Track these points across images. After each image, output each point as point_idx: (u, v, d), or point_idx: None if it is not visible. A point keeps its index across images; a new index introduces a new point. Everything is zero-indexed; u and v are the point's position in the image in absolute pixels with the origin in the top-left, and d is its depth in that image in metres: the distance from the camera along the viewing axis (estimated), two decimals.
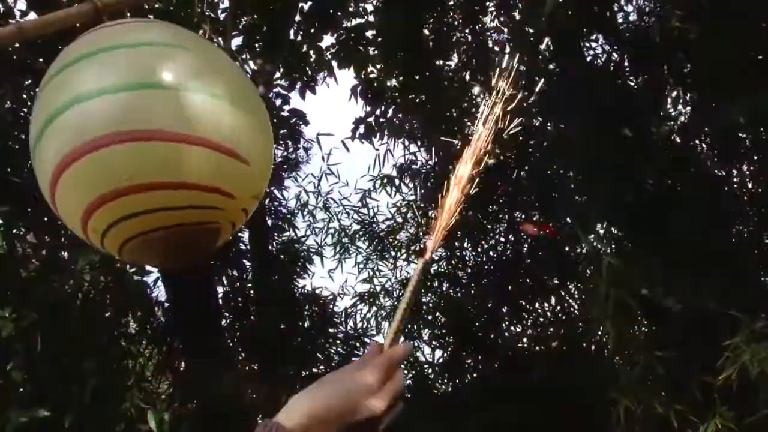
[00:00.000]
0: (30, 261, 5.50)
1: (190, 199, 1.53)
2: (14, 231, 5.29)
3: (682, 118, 4.94)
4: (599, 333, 4.51)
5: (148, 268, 5.87)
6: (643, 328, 4.00)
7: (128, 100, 1.50)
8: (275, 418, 1.08)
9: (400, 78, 6.32)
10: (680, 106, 4.97)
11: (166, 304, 6.09)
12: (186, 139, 1.50)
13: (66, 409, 4.57)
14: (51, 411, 4.56)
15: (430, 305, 6.26)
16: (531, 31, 5.26)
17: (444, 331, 5.98)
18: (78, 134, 1.49)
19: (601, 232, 4.63)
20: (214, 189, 1.51)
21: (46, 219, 5.27)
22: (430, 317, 6.22)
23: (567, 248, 5.44)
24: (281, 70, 6.52)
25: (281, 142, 6.93)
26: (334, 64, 6.38)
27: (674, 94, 4.96)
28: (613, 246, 4.54)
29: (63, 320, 5.17)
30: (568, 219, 5.15)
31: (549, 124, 5.57)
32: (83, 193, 1.54)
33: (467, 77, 6.56)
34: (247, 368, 5.48)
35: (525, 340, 5.67)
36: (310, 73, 6.51)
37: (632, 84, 5.07)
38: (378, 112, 6.59)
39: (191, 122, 1.50)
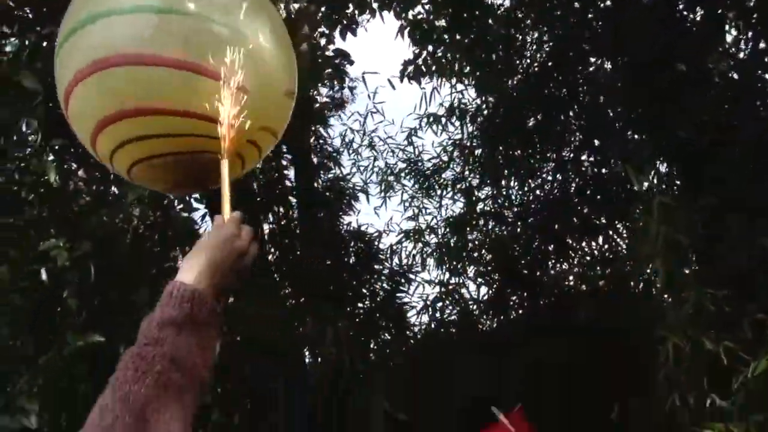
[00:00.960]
0: (81, 196, 5.60)
1: (195, 128, 1.56)
2: (65, 166, 5.37)
3: (742, 55, 4.79)
4: (647, 272, 4.47)
5: (195, 204, 5.97)
6: (693, 267, 3.95)
7: (148, 22, 1.52)
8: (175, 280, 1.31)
9: (448, 17, 6.22)
10: (741, 43, 4.81)
11: None
12: (195, 69, 1.53)
13: (118, 337, 4.67)
14: (104, 338, 4.68)
15: (476, 243, 6.27)
16: None
17: (489, 268, 5.98)
18: (91, 52, 1.53)
19: (653, 171, 4.55)
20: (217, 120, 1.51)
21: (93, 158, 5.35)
22: (475, 255, 6.23)
23: (615, 187, 5.37)
24: (323, 11, 6.45)
25: (326, 81, 6.89)
26: (375, 5, 6.28)
27: (734, 31, 4.81)
28: (664, 185, 4.47)
29: (113, 253, 5.27)
30: (618, 157, 5.08)
31: (600, 60, 5.46)
32: (91, 113, 1.59)
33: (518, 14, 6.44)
34: (292, 303, 5.53)
35: (571, 278, 5.65)
36: (351, 15, 6.42)
37: (689, 19, 4.92)
38: (425, 53, 6.51)
39: (203, 53, 1.51)
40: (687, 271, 3.84)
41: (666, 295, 3.91)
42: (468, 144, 6.60)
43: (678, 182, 4.45)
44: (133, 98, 1.52)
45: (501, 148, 5.93)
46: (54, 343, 4.83)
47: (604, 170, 5.48)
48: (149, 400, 1.22)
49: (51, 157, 5.31)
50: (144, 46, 1.50)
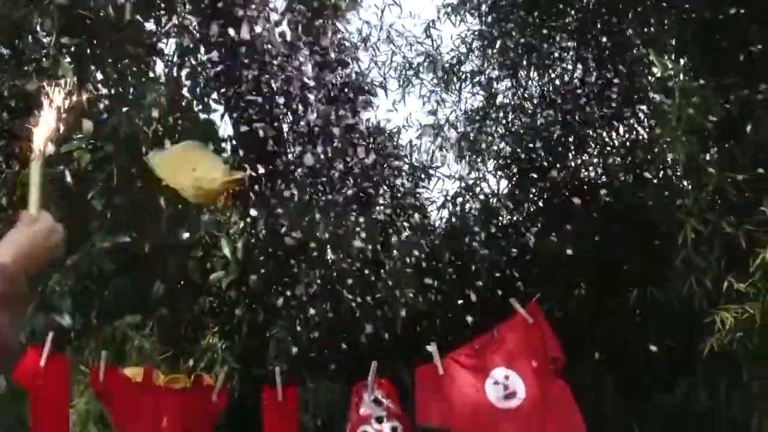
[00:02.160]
0: (99, 96, 5.59)
1: None
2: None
3: None
4: (668, 159, 4.43)
5: (213, 105, 5.96)
6: (714, 151, 3.91)
7: None
8: None
9: None
10: None
11: (233, 141, 6.19)
12: None
13: (144, 236, 4.78)
14: (130, 238, 4.79)
15: (496, 136, 6.23)
16: None
17: (509, 161, 5.95)
18: None
19: (674, 53, 4.44)
20: None
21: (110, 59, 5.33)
22: (495, 147, 6.20)
23: (636, 72, 5.25)
24: None
25: None
26: None
27: None
28: (686, 67, 4.36)
29: (135, 155, 5.31)
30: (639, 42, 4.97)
31: None
32: None
33: None
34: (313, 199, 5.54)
35: (591, 169, 5.61)
36: None
37: None
38: None
39: None
40: (707, 156, 3.81)
41: (686, 182, 3.90)
42: (487, 35, 6.46)
43: (700, 64, 4.34)
44: None
45: (518, 35, 5.79)
46: (82, 245, 4.93)
47: (626, 55, 5.34)
48: None
49: (68, 59, 5.31)
50: None
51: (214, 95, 5.82)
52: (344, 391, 4.38)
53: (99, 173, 5.02)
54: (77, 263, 4.73)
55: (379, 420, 3.53)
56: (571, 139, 5.47)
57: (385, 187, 6.10)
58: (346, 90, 6.47)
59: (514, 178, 5.87)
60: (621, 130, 5.40)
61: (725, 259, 3.53)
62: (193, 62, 5.72)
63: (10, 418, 5.65)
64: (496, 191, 6.19)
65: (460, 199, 6.04)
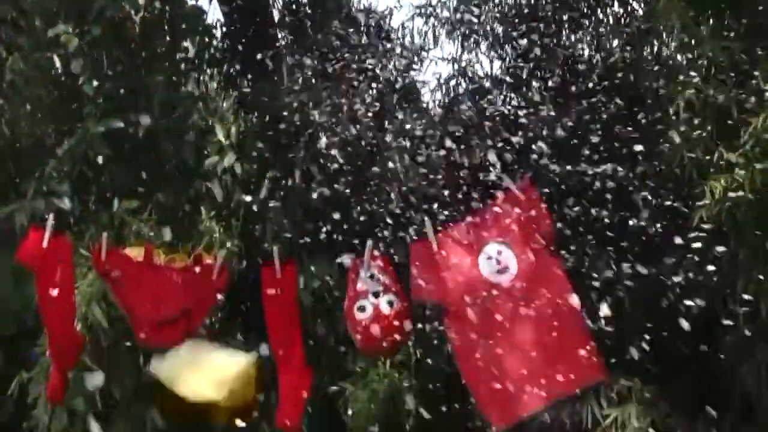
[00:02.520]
0: None
1: None
2: None
3: None
4: (663, 32, 4.37)
5: None
6: (709, 22, 3.85)
7: None
8: None
9: None
10: None
11: (224, 28, 6.10)
12: None
13: (137, 121, 4.76)
14: (124, 122, 4.77)
15: (488, 13, 6.11)
16: None
17: (502, 41, 5.87)
18: None
19: None
20: None
21: None
22: (488, 28, 6.10)
23: None
24: None
25: None
26: None
27: None
28: None
29: (123, 39, 5.24)
30: None
31: None
32: None
33: None
34: (305, 81, 5.49)
35: (585, 47, 5.55)
36: None
37: None
38: None
39: None
40: (703, 28, 3.76)
41: (679, 56, 3.87)
42: None
43: None
44: None
45: None
46: (76, 130, 4.93)
47: None
48: None
49: None
50: None
51: None
52: (341, 271, 4.48)
53: (88, 58, 4.94)
54: (72, 148, 4.72)
55: (376, 295, 3.60)
56: (565, 18, 5.36)
57: (377, 70, 6.04)
58: None
59: (508, 59, 5.81)
60: (616, 4, 5.29)
61: (717, 130, 3.54)
62: None
63: (17, 302, 5.82)
64: (489, 73, 6.14)
65: (453, 82, 6.00)
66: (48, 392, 4.37)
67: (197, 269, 3.95)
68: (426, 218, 3.63)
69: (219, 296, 4.16)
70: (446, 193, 4.81)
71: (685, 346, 4.46)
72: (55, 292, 3.75)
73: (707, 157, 3.49)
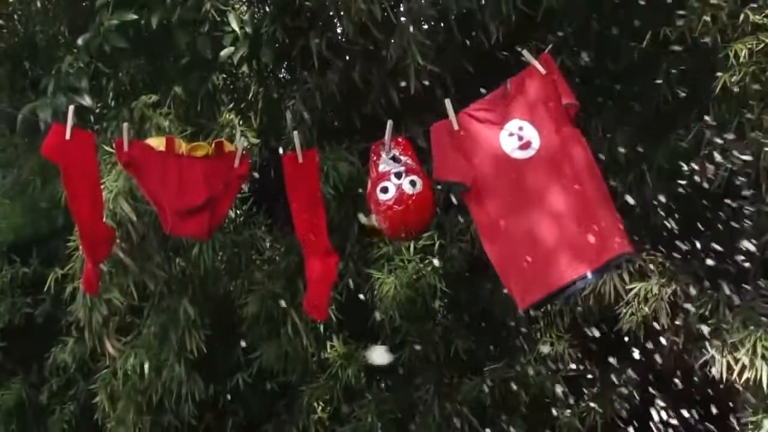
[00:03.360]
0: None
1: None
2: None
3: None
4: None
5: None
6: None
7: None
8: None
9: None
10: None
11: None
12: None
13: (151, 11, 4.70)
14: (137, 14, 4.73)
15: None
16: None
17: None
18: None
19: None
20: None
21: None
22: None
23: None
24: None
25: None
26: None
27: None
28: None
29: None
30: None
31: None
32: None
33: None
34: None
35: None
36: None
37: None
38: None
39: None
40: None
41: None
42: None
43: None
44: None
45: None
46: (90, 24, 4.89)
47: None
48: None
49: None
50: None
51: None
52: (362, 159, 4.49)
53: None
54: (88, 42, 4.70)
55: (398, 176, 3.61)
56: None
57: None
58: None
59: None
60: None
61: None
62: None
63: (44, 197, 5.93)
64: None
65: None
66: (83, 285, 4.51)
67: (219, 157, 3.98)
68: (447, 99, 3.60)
69: (242, 184, 4.20)
70: (465, 73, 4.75)
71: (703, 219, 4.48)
72: (81, 185, 3.79)
73: (732, 21, 3.40)
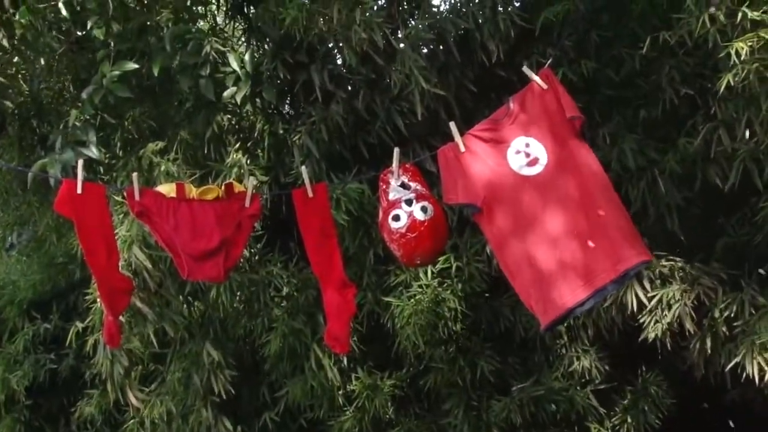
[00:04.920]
0: None
1: None
2: None
3: None
4: None
5: None
6: None
7: None
8: None
9: None
10: None
11: None
12: None
13: (152, 58, 4.76)
14: (138, 62, 4.78)
15: None
16: None
17: None
18: None
19: None
20: None
21: None
22: None
23: None
24: None
25: None
26: None
27: None
28: None
29: None
30: None
31: None
32: None
33: None
34: None
35: None
36: None
37: None
38: None
39: None
40: None
41: None
42: None
43: None
44: None
45: None
46: (92, 77, 4.95)
47: None
48: None
49: None
50: None
51: None
52: (372, 187, 4.51)
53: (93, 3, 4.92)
54: (92, 95, 4.75)
55: (409, 203, 3.63)
56: None
57: None
58: None
59: None
60: None
61: None
62: None
63: (60, 252, 5.98)
64: None
65: None
66: (105, 338, 4.51)
67: (230, 199, 4.00)
68: (451, 122, 3.63)
69: (254, 223, 4.22)
70: (467, 95, 4.78)
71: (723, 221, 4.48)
72: (96, 238, 3.82)
73: (731, 20, 3.41)
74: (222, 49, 4.98)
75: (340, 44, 4.63)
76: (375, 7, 4.47)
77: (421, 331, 4.70)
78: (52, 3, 4.82)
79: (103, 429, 6.15)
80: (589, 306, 3.39)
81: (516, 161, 3.53)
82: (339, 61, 5.02)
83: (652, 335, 4.35)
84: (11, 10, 5.18)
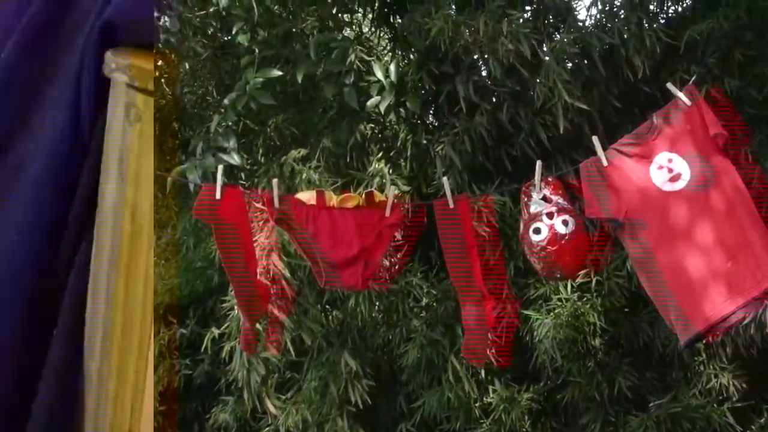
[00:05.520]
0: None
1: None
2: None
3: None
4: None
5: None
6: None
7: None
8: None
9: None
10: None
11: None
12: None
13: (297, 66, 5.45)
14: (283, 69, 5.46)
15: None
16: None
17: None
18: None
19: None
20: None
21: None
22: None
23: None
24: None
25: None
26: None
27: None
28: None
29: None
30: None
31: None
32: None
33: None
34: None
35: None
36: None
37: None
38: None
39: None
40: None
41: None
42: None
43: None
44: None
45: None
46: (236, 83, 5.64)
47: None
48: None
49: None
50: None
51: None
52: (513, 200, 5.06)
53: (238, 9, 5.60)
54: (235, 101, 5.41)
55: (550, 216, 4.21)
56: None
57: None
58: None
59: None
60: None
61: None
62: None
63: (198, 257, 6.71)
64: None
65: None
66: (241, 345, 5.13)
67: (370, 208, 4.55)
68: (594, 136, 4.15)
69: (395, 233, 4.77)
70: (611, 109, 5.27)
71: None
72: (234, 244, 4.38)
73: None
74: (367, 58, 5.63)
75: (486, 55, 5.22)
76: (521, 19, 5.00)
77: (559, 345, 5.26)
78: (199, 11, 5.59)
79: None
80: (729, 324, 3.84)
81: (658, 176, 4.06)
82: (483, 73, 5.60)
83: None
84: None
